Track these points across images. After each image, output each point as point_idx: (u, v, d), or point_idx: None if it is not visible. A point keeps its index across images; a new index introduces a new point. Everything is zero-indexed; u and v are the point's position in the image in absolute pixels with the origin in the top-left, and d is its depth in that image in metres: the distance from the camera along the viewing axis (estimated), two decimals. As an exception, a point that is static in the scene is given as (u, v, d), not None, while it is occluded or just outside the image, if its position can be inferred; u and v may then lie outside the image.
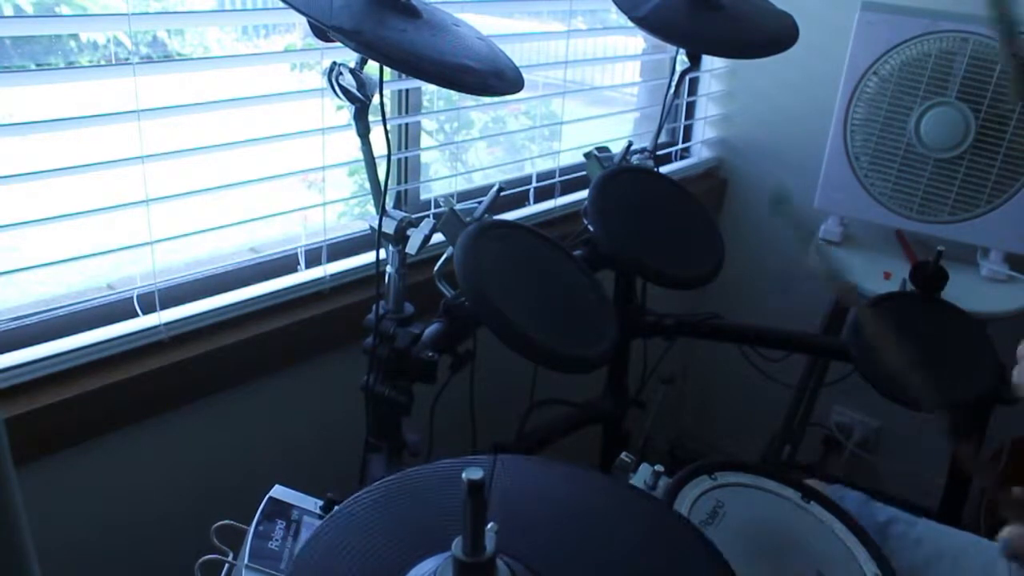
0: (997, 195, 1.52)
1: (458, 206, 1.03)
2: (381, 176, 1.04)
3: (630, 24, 1.27)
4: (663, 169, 1.47)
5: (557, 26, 1.72)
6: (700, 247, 1.32)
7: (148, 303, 1.16)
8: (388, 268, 1.07)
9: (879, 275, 1.59)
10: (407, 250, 1.04)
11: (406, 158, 1.46)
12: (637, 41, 1.98)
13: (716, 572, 0.59)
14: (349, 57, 1.02)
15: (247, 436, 1.29)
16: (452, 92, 1.49)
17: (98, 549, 1.15)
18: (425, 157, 1.54)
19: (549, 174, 1.71)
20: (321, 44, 0.98)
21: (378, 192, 1.05)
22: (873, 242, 1.75)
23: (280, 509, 0.88)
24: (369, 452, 1.09)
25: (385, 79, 0.98)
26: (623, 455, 0.94)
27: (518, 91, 0.98)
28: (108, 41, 1.16)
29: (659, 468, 0.91)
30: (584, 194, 1.30)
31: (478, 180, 1.70)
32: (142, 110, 1.06)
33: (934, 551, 0.90)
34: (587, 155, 1.37)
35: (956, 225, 1.57)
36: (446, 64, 0.92)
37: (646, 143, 1.49)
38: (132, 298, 1.15)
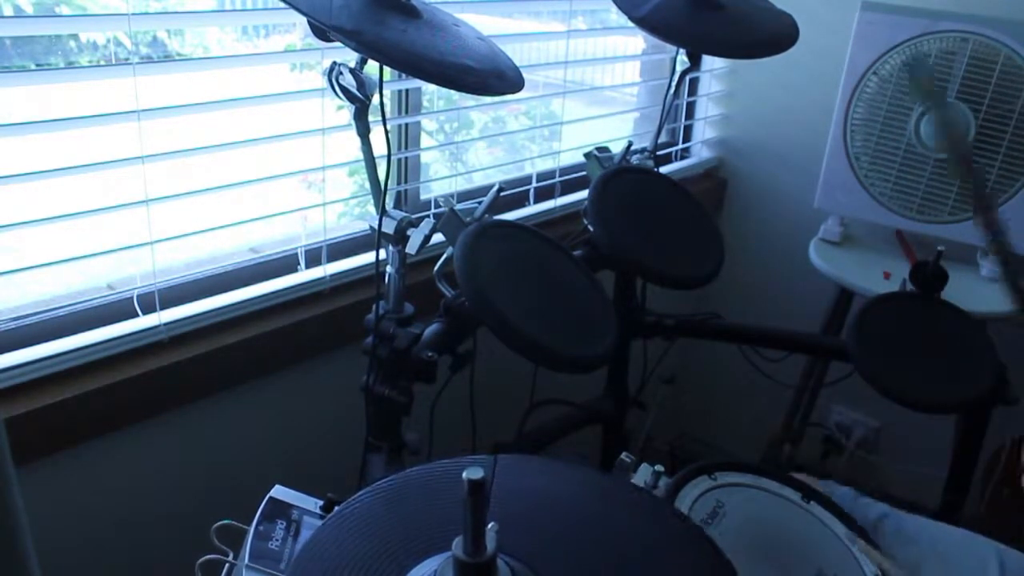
0: (997, 195, 1.52)
1: (458, 206, 1.03)
2: (381, 176, 1.04)
3: (630, 24, 1.27)
4: (663, 169, 1.46)
5: (557, 26, 1.72)
6: (700, 247, 1.32)
7: (148, 303, 1.16)
8: (388, 268, 1.07)
9: (879, 275, 1.59)
10: (407, 250, 1.04)
11: (406, 158, 1.46)
12: (637, 41, 1.98)
13: (718, 571, 0.59)
14: (349, 57, 1.02)
15: (247, 436, 1.29)
16: (452, 92, 1.49)
17: (98, 549, 1.15)
18: (425, 157, 1.54)
19: (549, 174, 1.71)
20: (321, 44, 0.98)
21: (378, 192, 1.05)
22: (873, 242, 1.75)
23: (280, 509, 0.88)
24: (369, 452, 1.09)
25: (385, 79, 0.98)
26: (623, 455, 0.94)
27: (518, 91, 0.98)
28: (108, 41, 1.16)
29: (659, 468, 0.91)
30: (584, 194, 1.30)
31: (478, 180, 1.70)
32: (142, 110, 1.06)
33: (926, 549, 0.90)
34: (587, 155, 1.37)
35: (956, 225, 1.57)
36: (446, 64, 0.92)
37: (646, 143, 1.49)
38: (132, 298, 1.15)
